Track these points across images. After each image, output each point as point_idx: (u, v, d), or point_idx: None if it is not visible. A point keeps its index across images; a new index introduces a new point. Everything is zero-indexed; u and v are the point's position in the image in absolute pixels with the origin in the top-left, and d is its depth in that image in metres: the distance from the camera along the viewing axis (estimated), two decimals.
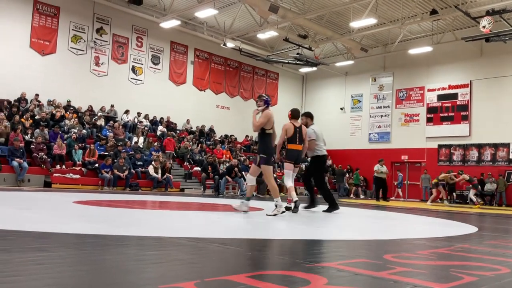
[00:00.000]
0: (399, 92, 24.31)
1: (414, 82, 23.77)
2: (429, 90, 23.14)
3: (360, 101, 25.92)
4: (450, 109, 22.29)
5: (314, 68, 24.37)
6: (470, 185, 18.30)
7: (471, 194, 17.95)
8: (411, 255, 3.44)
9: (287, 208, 7.21)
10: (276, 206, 6.45)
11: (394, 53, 23.07)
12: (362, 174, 23.99)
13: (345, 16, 19.90)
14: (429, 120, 22.92)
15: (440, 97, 22.68)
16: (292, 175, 7.64)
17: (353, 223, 6.71)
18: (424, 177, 21.65)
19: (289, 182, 7.56)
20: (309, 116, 8.15)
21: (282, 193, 19.48)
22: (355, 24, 19.02)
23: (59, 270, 2.29)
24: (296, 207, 7.15)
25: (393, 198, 22.35)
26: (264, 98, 6.89)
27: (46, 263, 2.43)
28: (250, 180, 6.82)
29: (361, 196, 22.43)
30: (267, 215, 6.41)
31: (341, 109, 26.51)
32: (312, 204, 8.40)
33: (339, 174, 23.41)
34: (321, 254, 3.47)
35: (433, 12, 17.90)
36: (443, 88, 22.65)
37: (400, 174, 22.58)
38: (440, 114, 22.56)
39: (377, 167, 17.30)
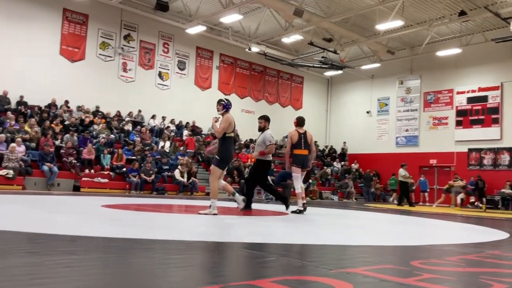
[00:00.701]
0: (427, 95, 23.88)
1: (442, 84, 23.31)
2: (458, 93, 22.65)
3: (386, 105, 25.57)
4: (480, 112, 21.75)
5: (340, 72, 24.20)
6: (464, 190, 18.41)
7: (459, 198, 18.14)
8: (439, 262, 3.38)
9: (300, 211, 7.90)
10: (210, 206, 6.58)
11: (422, 56, 22.69)
12: (390, 179, 23.63)
13: (371, 18, 19.71)
14: (458, 123, 22.42)
15: (470, 100, 22.16)
16: (300, 178, 8.18)
17: (378, 229, 6.62)
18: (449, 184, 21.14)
19: (298, 187, 8.07)
20: (268, 120, 8.33)
21: (308, 197, 19.39)
22: (381, 26, 18.80)
23: (88, 273, 2.35)
24: (303, 210, 7.92)
25: (420, 203, 21.95)
26: (223, 102, 7.04)
27: (75, 266, 2.49)
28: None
29: (394, 202, 21.93)
30: (199, 213, 6.61)
31: (367, 112, 26.21)
32: (285, 202, 8.38)
33: (366, 178, 23.12)
34: (346, 259, 3.44)
35: (462, 13, 17.54)
36: (473, 91, 22.13)
37: (424, 178, 22.08)
38: (470, 117, 22.04)
39: (403, 172, 16.99)
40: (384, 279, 2.52)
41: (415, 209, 14.65)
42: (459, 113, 22.44)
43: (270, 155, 8.22)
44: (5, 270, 2.30)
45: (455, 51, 20.73)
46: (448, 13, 18.73)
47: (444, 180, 22.20)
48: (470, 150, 21.95)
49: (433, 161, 23.23)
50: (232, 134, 6.89)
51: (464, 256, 3.70)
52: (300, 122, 8.41)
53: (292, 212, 7.99)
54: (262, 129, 8.29)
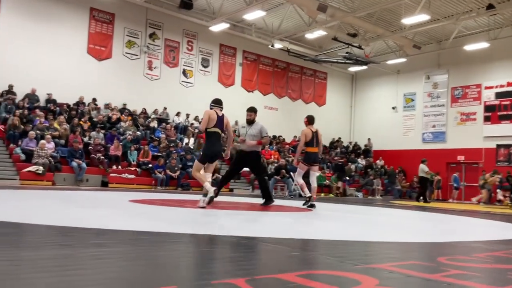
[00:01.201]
0: (455, 90, 23.41)
1: (470, 79, 22.80)
2: (486, 88, 22.12)
3: (413, 100, 25.17)
4: (509, 107, 21.20)
5: (364, 67, 23.94)
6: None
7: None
8: (466, 258, 3.34)
9: (312, 206, 8.25)
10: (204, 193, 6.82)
11: (449, 50, 22.24)
12: (416, 175, 23.28)
13: (397, 13, 19.42)
14: (486, 118, 21.91)
15: (498, 95, 21.62)
16: (313, 173, 8.73)
17: (404, 225, 6.57)
18: (483, 178, 20.70)
19: (299, 180, 8.77)
20: (256, 112, 8.27)
21: (331, 194, 19.33)
22: (407, 20, 18.50)
23: (119, 265, 2.43)
24: (308, 202, 8.42)
25: (450, 200, 21.61)
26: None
27: (107, 258, 2.57)
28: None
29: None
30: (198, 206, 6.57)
31: (393, 108, 25.86)
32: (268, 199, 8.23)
33: (390, 175, 22.85)
34: (371, 255, 3.44)
35: (490, 6, 17.12)
36: (501, 86, 21.58)
37: (455, 175, 21.71)
38: (499, 113, 21.51)
39: (425, 167, 16.67)
40: (410, 275, 2.52)
41: (441, 206, 14.41)
42: (487, 108, 21.93)
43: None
44: (40, 262, 2.40)
45: (483, 45, 20.25)
46: (476, 7, 18.31)
47: (472, 177, 21.77)
48: (499, 146, 21.44)
49: (460, 158, 22.78)
50: (215, 130, 6.98)
51: (492, 253, 3.65)
52: (310, 120, 8.79)
53: (304, 204, 8.61)
54: (252, 121, 8.16)
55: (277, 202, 10.69)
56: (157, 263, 2.54)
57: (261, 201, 8.28)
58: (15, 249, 2.78)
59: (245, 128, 8.16)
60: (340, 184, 20.11)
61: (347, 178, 20.56)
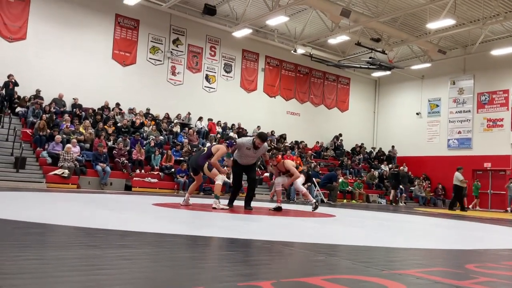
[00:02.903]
0: (481, 96, 22.95)
1: (497, 85, 22.32)
2: None
3: (438, 106, 24.77)
4: None
5: (388, 72, 23.69)
6: None
7: None
8: (496, 266, 3.26)
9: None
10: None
11: (475, 55, 21.83)
12: (440, 182, 22.91)
13: (421, 17, 19.19)
14: None
15: None
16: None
17: (431, 232, 6.45)
18: (510, 186, 20.21)
19: (302, 188, 9.08)
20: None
21: (354, 201, 19.11)
22: (432, 25, 18.24)
23: (145, 265, 2.45)
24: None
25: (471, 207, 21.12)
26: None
27: (133, 258, 2.60)
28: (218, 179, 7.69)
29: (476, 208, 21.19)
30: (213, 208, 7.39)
31: (417, 114, 25.49)
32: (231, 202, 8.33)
33: (404, 176, 21.96)
34: (397, 261, 3.39)
35: None
36: None
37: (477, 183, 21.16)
38: None
39: (460, 176, 16.21)
40: (438, 281, 2.47)
41: (467, 214, 14.11)
42: None
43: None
44: (68, 261, 2.44)
45: (510, 50, 19.82)
46: (503, 11, 17.93)
47: (499, 185, 21.25)
48: None
49: (487, 165, 22.27)
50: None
51: None
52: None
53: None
54: (258, 148, 7.88)
55: (298, 207, 10.64)
56: (182, 265, 2.55)
57: (273, 205, 8.94)
58: (43, 248, 2.83)
59: (250, 151, 7.87)
60: (393, 193, 19.88)
61: (402, 187, 20.18)
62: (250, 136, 8.79)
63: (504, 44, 20.39)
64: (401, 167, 21.84)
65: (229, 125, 21.11)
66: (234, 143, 7.77)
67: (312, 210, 8.72)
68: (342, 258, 3.29)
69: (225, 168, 8.65)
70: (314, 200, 8.88)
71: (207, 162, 7.57)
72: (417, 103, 25.59)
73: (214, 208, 7.41)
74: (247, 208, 7.96)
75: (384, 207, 15.98)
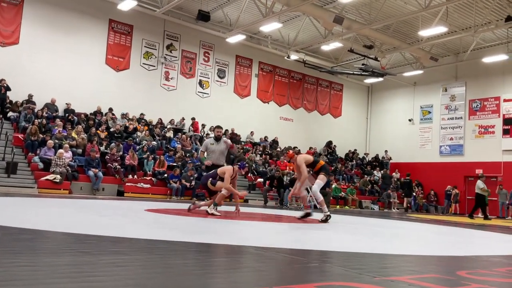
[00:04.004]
0: (473, 103, 23.14)
1: (488, 92, 22.53)
2: (505, 101, 21.82)
3: (430, 112, 24.94)
4: None
5: (381, 79, 23.84)
6: None
7: None
8: (487, 272, 3.27)
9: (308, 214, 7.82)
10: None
11: (467, 62, 22.02)
12: (432, 188, 23.00)
13: (413, 25, 19.36)
14: (505, 132, 21.58)
15: None
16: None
17: (423, 239, 6.47)
18: (501, 192, 20.35)
19: (319, 196, 7.86)
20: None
21: (347, 206, 19.14)
22: (424, 33, 18.41)
23: (137, 272, 2.44)
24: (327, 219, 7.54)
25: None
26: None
27: (125, 265, 2.59)
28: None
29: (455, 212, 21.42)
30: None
31: (410, 120, 25.64)
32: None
33: (385, 177, 22.58)
34: (389, 268, 3.39)
35: (509, 18, 16.95)
36: None
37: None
38: None
39: (482, 184, 16.01)
40: None
41: (462, 220, 14.17)
42: (507, 121, 21.61)
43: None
44: (59, 268, 2.42)
45: (501, 57, 20.02)
46: (494, 19, 18.15)
47: (490, 191, 21.33)
48: None
49: (479, 171, 22.38)
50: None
51: None
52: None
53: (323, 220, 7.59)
54: (220, 138, 9.23)
55: (292, 213, 10.64)
56: (174, 271, 2.54)
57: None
58: (34, 255, 2.81)
59: (214, 145, 9.09)
60: (406, 200, 21.04)
61: (414, 194, 21.67)
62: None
63: (496, 52, 20.60)
64: (394, 173, 22.01)
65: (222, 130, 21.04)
66: (246, 165, 7.97)
67: (320, 221, 7.43)
68: (335, 264, 3.30)
69: (241, 192, 8.41)
70: (328, 212, 7.55)
71: (210, 179, 7.76)
72: (410, 110, 25.75)
73: (207, 212, 7.49)
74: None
75: (376, 213, 16.02)
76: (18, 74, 16.23)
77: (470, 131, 23.00)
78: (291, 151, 8.06)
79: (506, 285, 2.81)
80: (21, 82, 16.13)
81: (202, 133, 20.17)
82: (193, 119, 20.12)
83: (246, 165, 8.07)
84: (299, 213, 8.13)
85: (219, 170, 7.84)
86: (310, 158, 7.61)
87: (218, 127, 9.51)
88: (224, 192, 7.61)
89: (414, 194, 21.50)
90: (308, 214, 7.73)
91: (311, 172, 7.52)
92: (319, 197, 7.34)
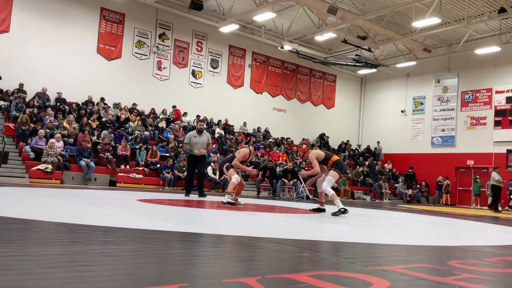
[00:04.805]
0: (465, 94, 23.25)
1: (481, 83, 22.64)
2: (497, 92, 21.95)
3: (422, 104, 25.03)
4: None
5: (374, 70, 23.85)
6: None
7: None
8: (478, 262, 3.30)
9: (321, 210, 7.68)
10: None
11: (460, 54, 22.08)
12: (424, 179, 23.16)
13: (407, 16, 19.34)
14: (497, 123, 21.73)
15: (509, 100, 21.43)
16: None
17: (415, 229, 6.52)
18: (489, 183, 20.51)
19: (330, 190, 7.39)
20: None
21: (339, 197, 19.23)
22: (418, 24, 18.42)
23: (129, 262, 2.42)
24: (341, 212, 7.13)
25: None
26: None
27: (117, 255, 2.57)
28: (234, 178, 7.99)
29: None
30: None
31: (402, 111, 25.73)
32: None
33: (371, 166, 23.15)
34: (381, 257, 3.41)
35: (502, 10, 16.98)
36: None
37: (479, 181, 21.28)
38: (510, 118, 21.32)
39: (497, 176, 16.10)
40: (421, 278, 2.49)
41: (454, 211, 14.30)
42: (498, 113, 21.75)
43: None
44: (51, 257, 2.40)
45: (494, 49, 20.10)
46: (487, 10, 18.17)
47: (481, 182, 21.54)
48: (509, 151, 21.25)
49: (470, 162, 22.61)
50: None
51: (504, 258, 3.61)
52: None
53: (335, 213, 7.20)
54: (202, 131, 10.17)
55: (285, 204, 10.67)
56: (166, 261, 2.53)
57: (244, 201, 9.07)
58: (25, 244, 2.79)
59: (197, 138, 10.07)
60: (410, 191, 21.78)
61: (419, 186, 22.44)
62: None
63: (488, 43, 20.67)
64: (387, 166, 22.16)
65: (215, 121, 21.02)
66: (261, 146, 8.21)
67: (333, 214, 7.02)
68: (326, 254, 3.31)
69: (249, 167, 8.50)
70: (342, 206, 7.04)
71: (226, 164, 8.18)
72: (402, 101, 25.82)
73: (223, 202, 7.90)
74: (201, 196, 10.11)
75: (368, 204, 16.12)
76: (9, 62, 16.05)
77: (462, 123, 23.13)
78: (304, 145, 7.86)
79: (497, 275, 2.84)
80: (11, 71, 15.94)
81: (195, 123, 20.04)
82: (174, 107, 19.90)
83: (261, 146, 8.20)
84: (313, 206, 7.94)
85: (236, 152, 8.28)
86: (322, 154, 7.39)
87: (201, 120, 10.58)
88: (234, 180, 7.83)
89: (418, 186, 22.26)
90: (321, 210, 7.55)
91: (328, 168, 7.27)
92: (330, 191, 7.09)
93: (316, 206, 8.06)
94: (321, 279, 2.23)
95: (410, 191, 21.78)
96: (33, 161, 13.23)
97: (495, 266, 3.14)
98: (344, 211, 6.99)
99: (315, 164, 7.23)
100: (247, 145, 8.75)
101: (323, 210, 7.58)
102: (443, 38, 22.28)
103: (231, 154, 8.56)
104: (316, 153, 7.37)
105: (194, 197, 10.26)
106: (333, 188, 7.34)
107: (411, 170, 22.30)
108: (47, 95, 16.70)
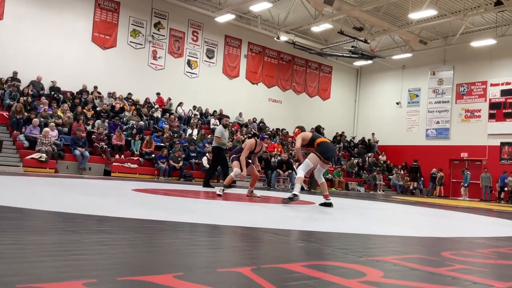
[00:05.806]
0: (460, 87, 23.30)
1: (476, 76, 22.69)
2: (492, 85, 22.01)
3: (417, 96, 25.08)
4: None
5: (370, 62, 23.82)
6: None
7: None
8: (471, 253, 3.33)
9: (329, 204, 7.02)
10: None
11: (455, 46, 22.09)
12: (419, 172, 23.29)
13: (404, 7, 19.30)
14: (491, 116, 21.83)
15: (504, 92, 21.51)
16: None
17: (408, 220, 6.56)
18: (485, 175, 20.70)
19: (303, 173, 7.06)
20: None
21: (333, 188, 19.32)
22: (414, 15, 18.39)
23: (124, 251, 2.43)
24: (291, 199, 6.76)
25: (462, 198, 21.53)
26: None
27: (112, 244, 2.58)
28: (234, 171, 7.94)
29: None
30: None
31: (397, 103, 25.77)
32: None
33: (360, 153, 23.45)
34: (375, 248, 3.44)
35: (498, 3, 16.98)
36: (507, 83, 21.46)
37: (468, 172, 21.48)
38: (504, 110, 21.41)
39: None
40: (414, 268, 2.52)
41: (447, 203, 14.40)
42: (493, 105, 21.84)
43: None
44: (45, 246, 2.40)
45: (490, 42, 20.13)
46: (484, 3, 18.15)
47: (475, 174, 21.69)
48: (503, 144, 21.37)
49: (464, 155, 22.73)
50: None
51: (496, 249, 3.64)
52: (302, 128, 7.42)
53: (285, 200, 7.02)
54: (227, 125, 11.11)
55: (280, 194, 10.70)
56: (161, 250, 2.54)
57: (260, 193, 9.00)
58: (20, 233, 2.78)
59: (226, 132, 10.88)
60: (415, 184, 22.49)
61: (422, 178, 22.94)
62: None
63: (484, 36, 20.69)
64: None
65: (210, 111, 20.98)
66: (266, 136, 8.07)
67: (321, 204, 7.07)
68: (321, 244, 3.32)
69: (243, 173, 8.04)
70: (296, 193, 6.68)
71: (233, 155, 8.24)
72: (397, 93, 25.86)
73: (218, 194, 7.79)
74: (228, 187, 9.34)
75: (363, 195, 16.20)
76: (3, 50, 15.91)
77: (457, 115, 23.21)
78: (297, 129, 7.28)
79: (489, 266, 2.87)
80: (5, 59, 15.81)
81: (190, 113, 19.99)
82: (158, 94, 19.72)
83: (266, 136, 8.02)
84: (320, 200, 7.29)
85: (243, 144, 8.41)
86: (309, 135, 7.04)
87: (227, 116, 11.55)
88: (232, 174, 7.89)
89: (422, 178, 22.83)
90: (328, 204, 6.97)
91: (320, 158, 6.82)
92: (299, 173, 6.79)
93: (317, 199, 8.03)
94: (316, 269, 2.24)
95: (415, 184, 22.33)
96: (27, 150, 13.17)
97: (488, 258, 3.17)
98: (292, 198, 6.59)
99: (297, 143, 7.01)
100: (252, 136, 8.60)
101: (330, 205, 6.96)
102: (439, 30, 22.26)
103: (238, 146, 8.64)
104: (303, 134, 7.08)
105: (198, 187, 10.26)
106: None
107: (416, 163, 22.67)
108: (42, 83, 16.58)
